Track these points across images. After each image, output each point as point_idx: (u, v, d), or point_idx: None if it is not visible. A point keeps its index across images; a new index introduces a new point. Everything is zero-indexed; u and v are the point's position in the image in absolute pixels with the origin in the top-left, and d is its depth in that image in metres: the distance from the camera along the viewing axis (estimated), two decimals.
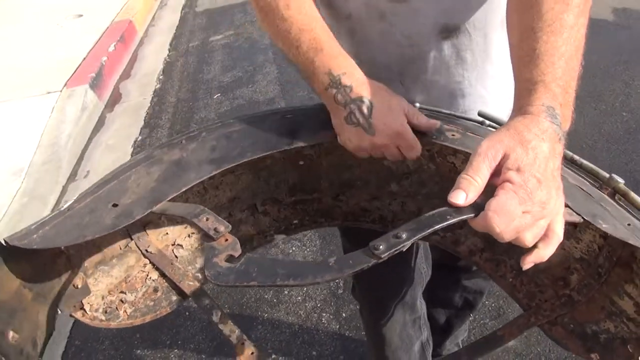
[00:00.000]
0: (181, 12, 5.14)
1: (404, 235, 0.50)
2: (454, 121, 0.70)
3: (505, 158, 0.51)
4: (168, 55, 4.04)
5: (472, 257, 0.79)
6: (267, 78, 3.27)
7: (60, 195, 2.45)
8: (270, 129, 0.70)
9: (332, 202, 0.87)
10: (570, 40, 0.58)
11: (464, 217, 0.50)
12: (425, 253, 1.15)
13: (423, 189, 0.82)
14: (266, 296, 1.76)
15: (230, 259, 0.55)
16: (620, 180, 0.59)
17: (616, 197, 0.60)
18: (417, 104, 0.72)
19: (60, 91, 3.17)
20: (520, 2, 0.61)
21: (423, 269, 1.11)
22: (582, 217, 0.55)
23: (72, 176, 2.59)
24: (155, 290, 0.79)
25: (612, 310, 0.67)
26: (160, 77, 3.66)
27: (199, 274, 0.87)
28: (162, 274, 0.79)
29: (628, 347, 0.64)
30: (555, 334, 0.71)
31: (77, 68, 3.46)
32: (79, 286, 0.72)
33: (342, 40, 0.75)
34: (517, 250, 0.55)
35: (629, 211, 0.60)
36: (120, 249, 0.72)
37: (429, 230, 0.50)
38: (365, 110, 0.65)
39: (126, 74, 3.79)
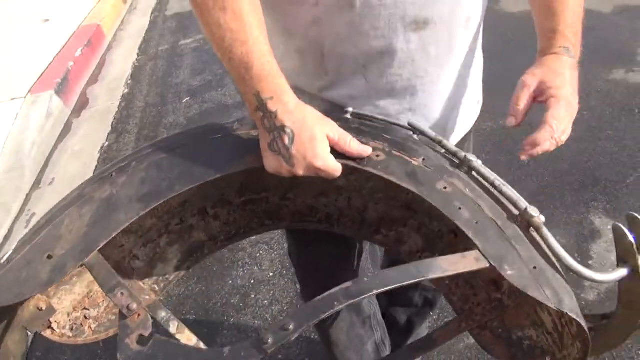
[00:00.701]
0: (151, 16, 5.09)
1: (291, 327, 0.51)
2: (383, 135, 0.68)
3: (542, 84, 0.74)
4: (137, 59, 3.99)
5: (412, 257, 0.80)
6: None
7: (23, 203, 2.40)
8: (200, 154, 0.68)
9: (279, 202, 0.87)
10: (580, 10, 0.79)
11: (350, 301, 0.53)
12: (372, 254, 1.16)
13: (368, 182, 0.82)
14: (232, 301, 1.76)
15: (141, 339, 0.56)
16: (534, 214, 0.59)
17: (530, 230, 0.61)
18: (350, 109, 0.73)
19: (25, 97, 3.11)
20: None
21: (369, 271, 1.12)
22: (490, 262, 0.56)
23: (37, 184, 2.55)
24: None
25: (535, 319, 0.70)
26: (129, 81, 3.61)
27: (155, 286, 0.87)
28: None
29: (547, 358, 0.66)
30: (484, 338, 0.73)
31: (42, 74, 3.41)
32: (43, 308, 0.72)
33: (305, 29, 0.75)
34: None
35: (541, 247, 0.60)
36: (79, 267, 0.72)
37: (317, 320, 0.53)
38: (286, 140, 0.64)
39: (94, 79, 3.74)
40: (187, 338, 0.76)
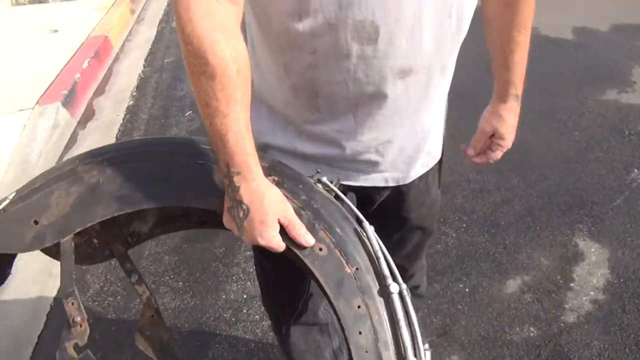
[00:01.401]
0: (158, 27, 5.20)
1: None
2: (337, 226, 0.73)
3: (495, 131, 1.08)
4: (143, 71, 4.09)
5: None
6: None
7: None
8: (179, 176, 0.77)
9: None
10: (525, 48, 1.02)
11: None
12: None
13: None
14: (225, 315, 1.82)
15: (76, 347, 0.69)
16: (393, 290, 0.66)
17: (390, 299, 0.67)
18: (323, 178, 0.80)
19: (32, 109, 3.19)
20: (496, 30, 1.01)
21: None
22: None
23: None
24: (93, 242, 0.93)
25: None
26: (134, 93, 3.70)
27: (129, 238, 0.98)
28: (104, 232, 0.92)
29: None
30: None
31: (50, 85, 3.50)
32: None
33: (301, 70, 0.83)
34: None
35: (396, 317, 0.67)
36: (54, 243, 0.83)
37: None
38: (241, 214, 0.72)
39: (100, 90, 3.83)
40: (142, 290, 0.97)
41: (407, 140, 0.96)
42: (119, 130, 3.20)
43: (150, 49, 4.57)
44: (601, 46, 3.47)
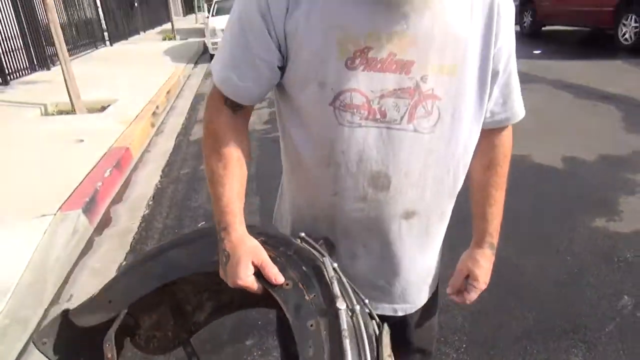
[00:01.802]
0: (176, 140, 5.57)
1: None
2: (303, 267, 0.90)
3: (471, 273, 1.16)
4: (159, 181, 4.34)
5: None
6: (250, 208, 3.53)
7: (41, 318, 2.56)
8: (193, 252, 1.01)
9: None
10: (501, 204, 1.15)
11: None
12: None
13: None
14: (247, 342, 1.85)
15: None
16: (340, 307, 0.79)
17: None
18: (302, 234, 0.99)
19: (54, 214, 3.38)
20: (477, 188, 1.15)
21: None
22: None
23: (56, 299, 2.72)
24: (168, 335, 1.16)
25: None
26: (150, 202, 3.91)
27: (192, 327, 1.18)
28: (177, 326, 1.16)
29: None
30: None
31: (72, 193, 3.72)
32: (132, 324, 1.11)
33: (323, 206, 1.04)
34: None
35: None
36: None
37: None
38: (224, 259, 0.91)
39: (118, 198, 4.04)
40: None
41: (413, 273, 1.12)
42: (134, 239, 3.35)
43: (168, 160, 4.87)
44: (589, 175, 3.72)
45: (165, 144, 5.43)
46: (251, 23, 0.90)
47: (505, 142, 1.12)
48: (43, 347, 1.00)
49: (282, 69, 0.95)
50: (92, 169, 4.23)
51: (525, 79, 6.31)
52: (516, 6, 11.53)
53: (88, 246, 3.30)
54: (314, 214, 1.07)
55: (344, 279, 0.88)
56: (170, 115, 6.85)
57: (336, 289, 0.84)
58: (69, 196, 3.66)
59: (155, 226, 3.50)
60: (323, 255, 0.92)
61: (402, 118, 0.92)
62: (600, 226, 3.00)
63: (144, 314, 1.11)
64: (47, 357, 1.00)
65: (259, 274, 0.89)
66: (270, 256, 0.90)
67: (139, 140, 5.30)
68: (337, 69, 0.89)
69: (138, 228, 3.49)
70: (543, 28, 10.84)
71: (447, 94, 0.93)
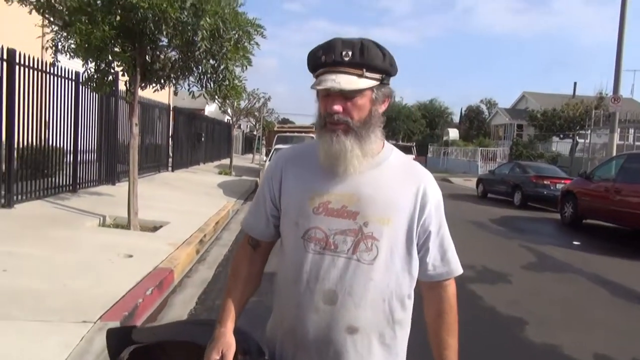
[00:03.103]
0: (216, 270, 5.80)
1: None
2: None
3: None
4: (194, 307, 4.49)
5: None
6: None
7: None
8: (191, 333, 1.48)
9: None
10: (454, 348, 1.36)
11: None
12: None
13: None
14: None
15: None
16: None
17: None
18: (266, 357, 1.38)
19: (94, 322, 3.56)
20: (432, 332, 1.39)
21: None
22: None
23: None
24: None
25: None
26: None
27: None
28: None
29: None
30: None
31: (114, 305, 3.92)
32: None
33: (290, 317, 1.36)
34: None
35: None
36: None
37: None
38: (210, 343, 1.30)
39: (153, 317, 4.19)
40: None
41: None
42: None
43: (205, 288, 5.06)
44: None
45: (206, 272, 5.66)
46: (263, 189, 1.46)
47: (450, 295, 1.39)
48: (109, 339, 1.48)
49: (278, 218, 1.43)
50: (136, 285, 4.47)
51: (562, 268, 6.52)
52: (557, 196, 11.96)
53: None
54: (282, 331, 1.40)
55: None
56: (215, 245, 7.20)
57: None
58: (111, 307, 3.86)
59: None
60: None
61: (348, 250, 1.29)
62: None
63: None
64: (107, 343, 1.48)
65: None
66: (235, 354, 1.29)
67: (182, 264, 5.57)
68: (307, 214, 1.31)
69: None
70: (583, 221, 11.04)
71: (383, 237, 1.29)
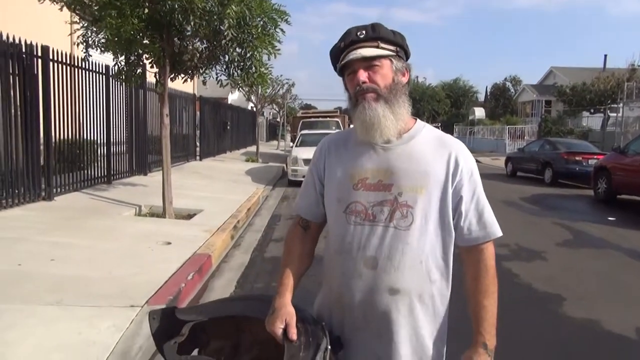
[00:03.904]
0: (251, 254, 5.92)
1: None
2: (310, 338, 1.34)
3: None
4: (234, 291, 4.62)
5: None
6: None
7: None
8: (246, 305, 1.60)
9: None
10: (490, 309, 1.39)
11: None
12: None
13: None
14: None
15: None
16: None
17: None
18: (323, 323, 1.43)
19: (142, 307, 3.70)
20: (470, 296, 1.43)
21: None
22: None
23: None
24: None
25: None
26: None
27: None
28: None
29: None
30: None
31: (159, 289, 4.06)
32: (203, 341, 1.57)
33: (336, 283, 1.46)
34: None
35: None
36: None
37: None
38: (271, 311, 1.40)
39: (195, 301, 4.33)
40: None
41: (405, 347, 1.41)
42: None
43: (243, 272, 5.19)
44: None
45: (242, 257, 5.79)
46: (311, 172, 1.58)
47: (487, 258, 1.44)
48: (152, 320, 1.52)
49: (322, 196, 1.54)
50: (177, 271, 4.61)
51: (598, 244, 6.42)
52: (589, 172, 11.74)
53: None
54: (330, 300, 1.50)
55: (328, 356, 1.31)
56: (248, 230, 7.33)
57: (318, 357, 1.28)
58: (156, 291, 4.00)
59: None
60: (324, 338, 1.35)
61: (385, 219, 1.39)
62: None
63: (213, 338, 1.56)
64: (150, 327, 1.51)
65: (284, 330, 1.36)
66: (296, 323, 1.37)
67: (219, 250, 5.71)
68: (348, 190, 1.44)
69: None
70: (618, 196, 10.83)
71: (417, 205, 1.38)
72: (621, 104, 22.02)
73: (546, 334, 3.83)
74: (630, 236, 7.35)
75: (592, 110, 28.70)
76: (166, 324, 1.51)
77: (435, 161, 1.41)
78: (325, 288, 1.56)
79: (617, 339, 3.74)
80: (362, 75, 1.39)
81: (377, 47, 1.40)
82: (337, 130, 1.77)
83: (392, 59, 1.42)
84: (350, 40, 1.41)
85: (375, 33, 1.40)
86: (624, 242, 6.91)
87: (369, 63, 1.39)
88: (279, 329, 1.35)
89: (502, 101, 49.53)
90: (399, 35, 1.45)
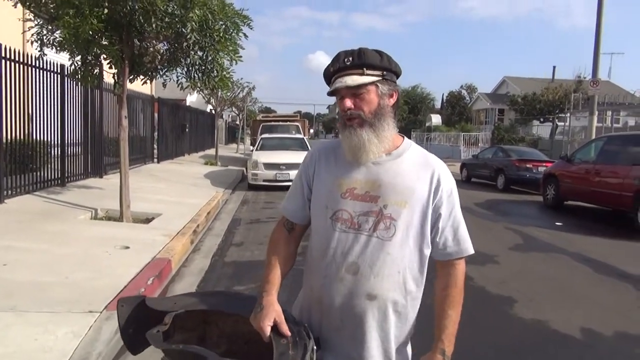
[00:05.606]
0: (211, 259, 5.90)
1: None
2: (298, 338, 1.38)
3: None
4: None
5: None
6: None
7: None
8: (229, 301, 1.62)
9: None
10: (452, 319, 1.49)
11: None
12: None
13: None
14: None
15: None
16: None
17: None
18: (306, 324, 1.48)
19: (100, 312, 3.64)
20: (437, 302, 1.53)
21: None
22: None
23: None
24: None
25: None
26: None
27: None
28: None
29: None
30: None
31: (119, 294, 4.01)
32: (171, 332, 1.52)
33: (317, 286, 1.53)
34: None
35: None
36: None
37: None
38: (258, 309, 1.43)
39: None
40: None
41: (376, 348, 1.50)
42: None
43: (204, 277, 5.17)
44: (607, 350, 3.83)
45: (202, 262, 5.75)
46: (300, 177, 1.64)
47: (457, 273, 1.55)
48: (120, 309, 1.53)
49: (309, 200, 1.61)
50: (137, 275, 4.56)
51: (547, 248, 6.70)
52: (539, 179, 12.24)
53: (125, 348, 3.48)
54: (310, 301, 1.57)
55: (315, 356, 1.38)
56: (208, 235, 7.28)
57: (307, 357, 1.34)
58: (115, 296, 3.94)
59: None
60: (310, 339, 1.41)
61: (369, 228, 1.47)
62: None
63: (178, 329, 1.53)
64: (118, 315, 1.53)
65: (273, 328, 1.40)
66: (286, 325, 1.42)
67: (179, 254, 5.66)
68: (336, 199, 1.51)
69: None
70: (565, 202, 11.35)
71: (400, 218, 1.47)
72: (568, 114, 23.07)
73: (498, 334, 4.01)
74: (575, 240, 7.73)
75: (541, 120, 29.93)
76: (135, 312, 1.54)
77: (419, 179, 1.50)
78: (306, 290, 1.63)
79: (563, 338, 3.96)
80: (348, 102, 1.48)
81: (363, 74, 1.46)
82: (327, 140, 2.07)
83: (378, 84, 1.48)
84: (337, 66, 1.49)
85: (360, 60, 1.47)
86: (570, 246, 7.27)
87: (354, 90, 1.47)
88: (267, 326, 1.39)
89: (457, 109, 50.88)
90: (386, 57, 1.51)
